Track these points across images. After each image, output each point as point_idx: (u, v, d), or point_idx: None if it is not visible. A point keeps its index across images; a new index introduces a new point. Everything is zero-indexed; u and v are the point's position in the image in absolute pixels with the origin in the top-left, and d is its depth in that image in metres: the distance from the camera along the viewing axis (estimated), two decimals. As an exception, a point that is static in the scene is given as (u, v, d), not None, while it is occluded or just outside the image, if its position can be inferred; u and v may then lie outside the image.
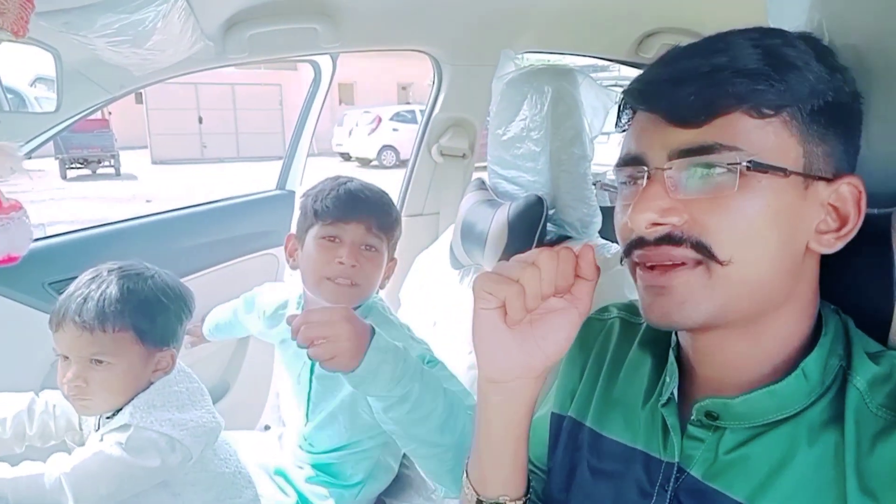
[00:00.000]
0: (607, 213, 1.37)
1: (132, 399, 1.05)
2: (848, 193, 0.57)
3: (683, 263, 0.56)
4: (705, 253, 0.55)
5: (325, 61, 1.85)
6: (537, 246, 1.30)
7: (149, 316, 1.05)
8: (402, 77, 20.91)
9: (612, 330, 0.77)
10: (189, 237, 1.79)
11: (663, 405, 0.64)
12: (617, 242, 1.34)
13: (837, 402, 0.55)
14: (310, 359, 0.86)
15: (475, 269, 1.52)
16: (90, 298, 1.01)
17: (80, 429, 1.16)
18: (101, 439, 1.02)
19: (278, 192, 2.00)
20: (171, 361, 1.10)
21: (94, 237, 1.68)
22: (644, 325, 0.73)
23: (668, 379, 0.65)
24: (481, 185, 1.56)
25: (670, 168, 0.56)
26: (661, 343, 0.69)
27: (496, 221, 1.36)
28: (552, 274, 0.58)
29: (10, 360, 1.46)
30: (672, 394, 0.64)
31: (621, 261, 0.63)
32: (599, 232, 1.38)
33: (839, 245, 0.57)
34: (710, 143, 0.54)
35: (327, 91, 1.87)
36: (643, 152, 0.59)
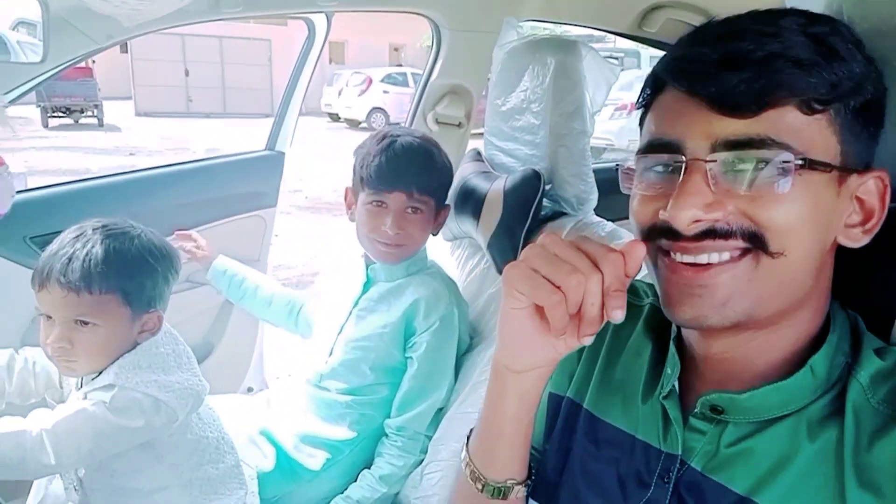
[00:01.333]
0: (604, 190, 1.36)
1: (117, 360, 1.03)
2: (874, 187, 0.56)
3: (731, 260, 0.53)
4: (757, 243, 0.52)
5: (319, 19, 1.79)
6: (532, 223, 1.28)
7: (135, 277, 1.03)
8: (395, 38, 20.57)
9: None
10: (175, 195, 1.75)
11: (664, 397, 0.63)
12: (612, 220, 1.34)
13: (840, 398, 0.55)
14: None
15: (468, 241, 1.51)
16: (75, 258, 0.98)
17: (61, 386, 1.14)
18: (85, 397, 1.00)
19: (267, 152, 1.95)
20: (158, 323, 1.08)
21: (77, 191, 1.64)
22: (646, 308, 0.71)
23: (669, 370, 0.64)
24: (477, 155, 1.53)
25: (714, 161, 0.53)
26: (662, 330, 0.68)
27: (491, 194, 1.34)
28: (598, 287, 0.52)
29: None
30: (673, 385, 0.63)
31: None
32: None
33: (865, 239, 0.57)
34: (760, 136, 0.51)
35: (321, 51, 1.81)
36: (681, 139, 0.55)
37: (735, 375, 0.59)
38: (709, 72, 0.52)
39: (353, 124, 15.20)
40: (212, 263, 1.58)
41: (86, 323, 1.00)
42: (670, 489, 0.60)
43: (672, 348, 0.64)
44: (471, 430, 0.71)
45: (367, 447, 1.32)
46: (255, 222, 1.91)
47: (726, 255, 0.53)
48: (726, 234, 0.53)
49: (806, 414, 0.55)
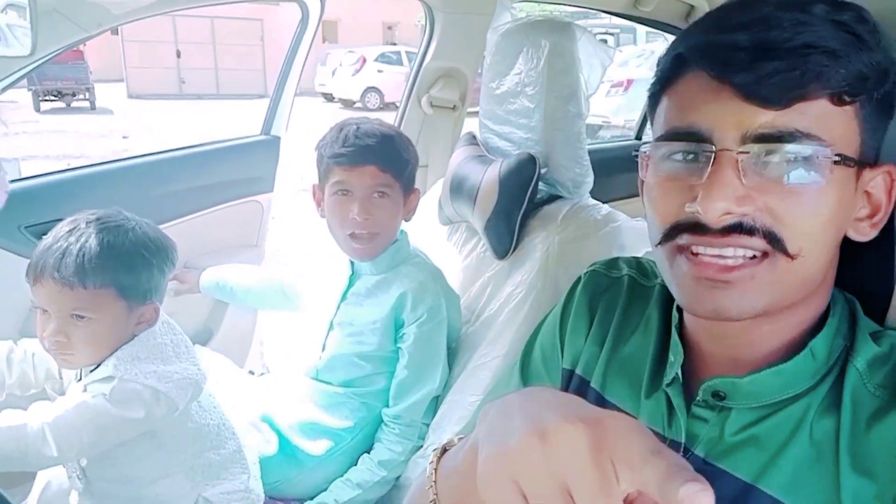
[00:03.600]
0: (599, 172, 1.36)
1: (115, 351, 1.03)
2: (881, 181, 0.56)
3: (753, 258, 0.53)
4: (776, 245, 0.52)
5: (312, 1, 1.77)
6: (528, 206, 1.28)
7: (130, 271, 1.02)
8: (388, 16, 20.33)
9: (620, 288, 0.74)
10: (171, 182, 1.74)
11: (668, 384, 0.63)
12: (606, 203, 1.34)
13: (838, 385, 0.55)
14: None
15: (465, 225, 1.51)
16: (69, 253, 0.98)
17: (61, 378, 1.15)
18: (85, 389, 1.01)
19: (263, 137, 1.94)
20: (155, 314, 1.08)
21: (71, 180, 1.63)
22: (655, 289, 0.71)
23: (672, 358, 0.63)
24: (472, 139, 1.52)
25: (746, 153, 0.51)
26: (669, 313, 0.68)
27: (487, 179, 1.34)
28: None
29: None
30: (677, 373, 0.63)
31: (657, 244, 0.58)
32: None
33: (873, 233, 0.57)
34: (791, 129, 0.50)
35: (315, 33, 1.79)
36: (710, 128, 0.53)
37: (738, 361, 0.59)
38: (742, 59, 0.50)
39: (348, 104, 15.07)
40: (199, 282, 1.64)
41: (82, 317, 1.00)
42: None
43: (675, 337, 0.64)
44: (446, 445, 0.61)
45: (367, 434, 1.34)
46: (253, 208, 1.90)
47: (749, 254, 0.53)
48: (750, 231, 0.52)
49: (806, 401, 0.56)
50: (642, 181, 0.62)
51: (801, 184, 0.51)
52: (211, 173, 1.82)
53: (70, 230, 1.01)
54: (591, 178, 1.33)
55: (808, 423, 0.55)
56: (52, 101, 13.17)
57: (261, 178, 1.90)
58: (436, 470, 0.59)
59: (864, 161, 0.54)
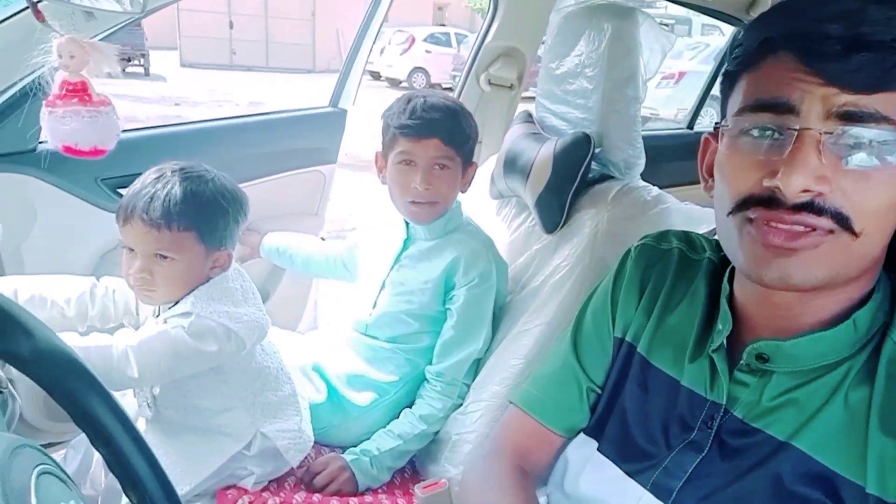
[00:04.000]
0: (649, 159, 1.39)
1: (192, 291, 1.12)
2: None
3: (819, 234, 0.55)
4: (843, 224, 0.54)
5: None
6: (580, 184, 1.33)
7: (209, 217, 1.11)
8: (439, -3, 20.24)
9: (670, 261, 0.78)
10: (239, 147, 1.81)
11: (714, 350, 0.66)
12: (657, 186, 1.37)
13: (875, 356, 0.59)
14: None
15: (516, 200, 1.56)
16: (157, 197, 1.06)
17: (137, 314, 1.24)
18: (165, 322, 1.10)
19: (331, 109, 1.99)
20: (228, 260, 1.17)
21: (147, 138, 1.72)
22: (703, 263, 0.74)
23: (720, 326, 0.67)
24: (528, 117, 1.57)
25: (829, 133, 0.53)
26: (717, 286, 0.71)
27: (541, 156, 1.39)
28: None
29: (63, 249, 1.54)
30: (723, 340, 0.66)
31: (728, 214, 0.60)
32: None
33: None
34: (874, 110, 0.53)
35: (388, 8, 1.84)
36: (797, 104, 0.55)
37: (784, 329, 0.62)
38: (833, 48, 0.53)
39: (394, 83, 15.12)
40: (260, 245, 1.72)
41: (165, 257, 1.08)
42: (713, 434, 0.64)
43: (724, 305, 0.67)
44: None
45: (410, 389, 1.41)
46: (316, 177, 1.95)
47: (817, 230, 0.55)
48: (819, 211, 0.54)
49: (844, 368, 0.59)
50: (703, 161, 0.65)
51: (875, 167, 0.53)
52: (278, 141, 1.88)
53: (157, 177, 1.10)
54: (642, 161, 1.37)
55: (843, 389, 0.59)
56: (108, 65, 13.51)
57: (325, 148, 1.94)
58: None
59: None
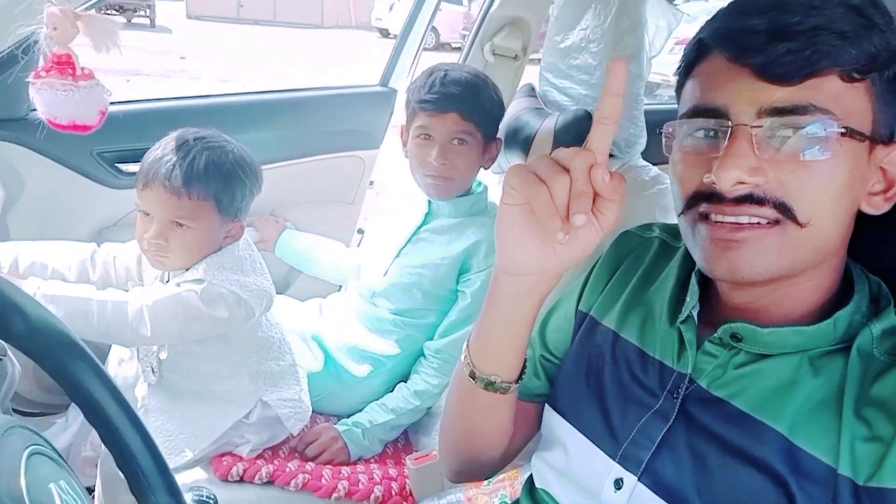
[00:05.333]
0: (653, 132, 1.38)
1: (204, 259, 1.14)
2: None
3: (759, 223, 0.57)
4: (786, 214, 0.56)
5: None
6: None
7: (228, 187, 1.12)
8: (451, -49, 19.71)
9: (649, 247, 0.79)
10: (271, 125, 1.68)
11: (682, 322, 0.68)
12: (657, 165, 1.37)
13: (851, 342, 0.60)
14: None
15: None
16: (178, 165, 1.07)
17: (141, 281, 1.26)
18: (178, 286, 1.12)
19: (380, 88, 1.86)
20: (240, 231, 1.19)
21: (151, 111, 1.64)
22: (681, 249, 0.76)
23: (688, 298, 0.69)
24: (531, 91, 1.56)
25: (760, 126, 0.56)
26: (689, 269, 0.73)
27: (542, 131, 1.38)
28: (584, 184, 0.54)
29: (52, 223, 1.50)
30: (691, 313, 0.68)
31: (680, 213, 0.63)
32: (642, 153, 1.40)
33: (887, 207, 0.61)
34: (803, 104, 0.55)
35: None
36: (727, 105, 0.57)
37: (761, 317, 0.63)
38: (757, 42, 0.55)
39: (403, 41, 14.85)
40: (275, 241, 1.71)
41: (181, 224, 1.10)
42: (678, 403, 0.65)
43: (693, 280, 0.69)
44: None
45: (407, 363, 1.43)
46: (354, 163, 1.81)
47: (762, 220, 0.57)
48: (761, 201, 0.56)
49: (816, 352, 0.61)
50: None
51: (812, 156, 0.55)
52: (314, 121, 1.74)
53: (179, 145, 1.10)
54: (644, 140, 1.37)
55: (811, 367, 0.60)
56: (113, 14, 13.31)
57: (367, 132, 1.82)
58: (468, 342, 0.73)
59: (878, 137, 0.58)
